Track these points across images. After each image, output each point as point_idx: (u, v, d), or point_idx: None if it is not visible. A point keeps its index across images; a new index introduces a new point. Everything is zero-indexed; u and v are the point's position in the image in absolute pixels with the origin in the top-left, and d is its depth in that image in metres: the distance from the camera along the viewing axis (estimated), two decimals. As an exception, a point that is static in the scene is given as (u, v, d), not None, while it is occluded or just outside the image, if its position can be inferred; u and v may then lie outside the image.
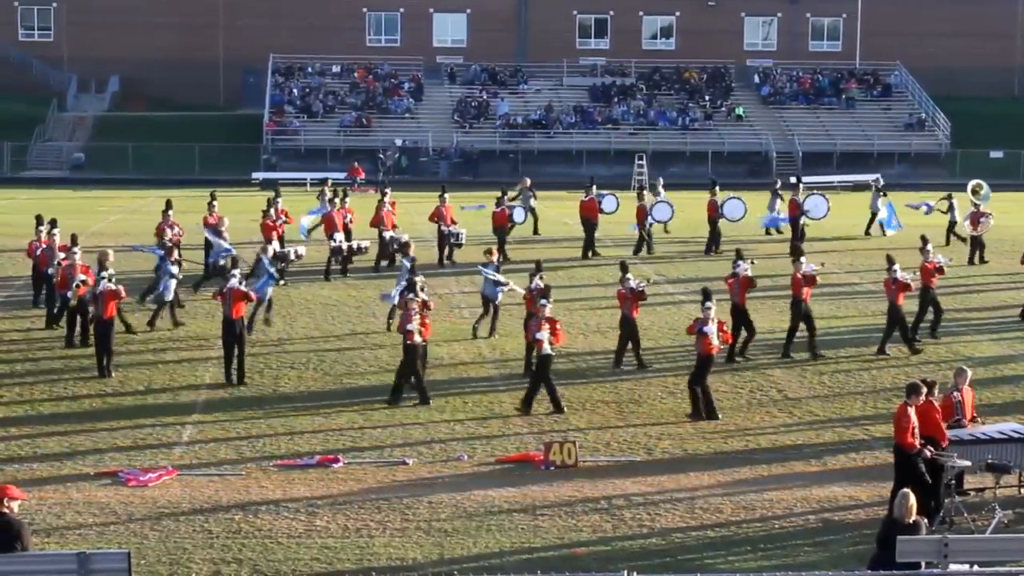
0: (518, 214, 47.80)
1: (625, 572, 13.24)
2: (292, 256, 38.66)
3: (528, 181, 51.92)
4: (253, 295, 29.11)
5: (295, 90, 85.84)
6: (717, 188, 47.60)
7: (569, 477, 22.26)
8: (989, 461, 20.60)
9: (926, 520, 16.72)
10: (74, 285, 30.52)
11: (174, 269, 32.75)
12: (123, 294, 29.12)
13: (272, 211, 40.69)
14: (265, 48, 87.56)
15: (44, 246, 34.25)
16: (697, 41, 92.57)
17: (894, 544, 14.12)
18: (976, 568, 15.07)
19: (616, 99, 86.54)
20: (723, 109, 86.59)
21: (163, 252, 33.69)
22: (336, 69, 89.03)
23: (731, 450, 24.02)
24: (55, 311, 32.75)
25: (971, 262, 43.17)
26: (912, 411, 19.84)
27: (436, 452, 23.70)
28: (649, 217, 46.74)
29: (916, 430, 19.80)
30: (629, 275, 29.71)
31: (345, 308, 35.76)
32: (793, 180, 50.80)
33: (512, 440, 24.45)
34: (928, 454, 19.84)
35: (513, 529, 19.90)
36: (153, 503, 20.81)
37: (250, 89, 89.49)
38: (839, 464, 23.21)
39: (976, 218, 43.82)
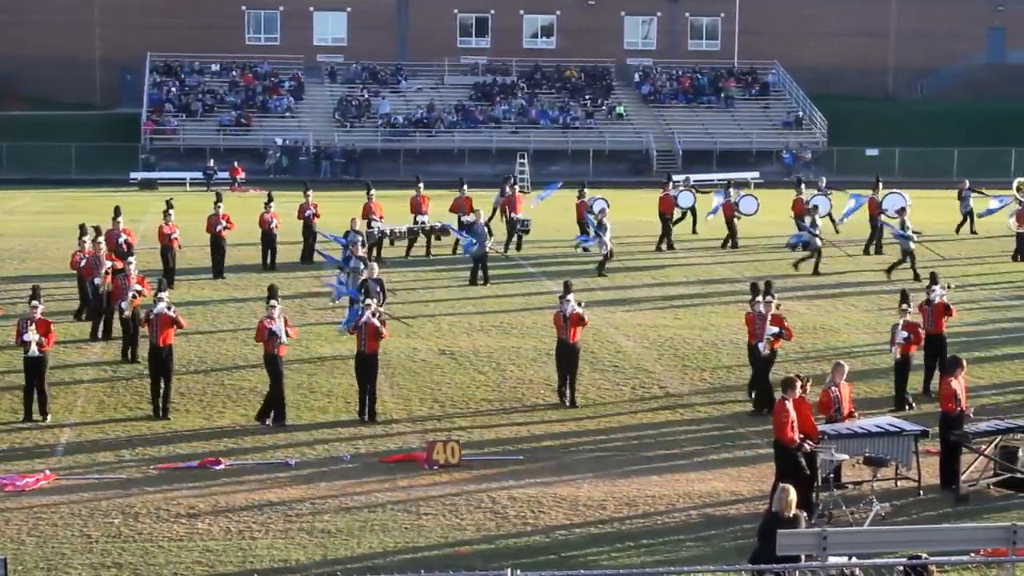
0: (684, 198, 48.48)
1: (509, 571, 13.23)
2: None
3: (691, 179, 52.64)
4: (183, 321, 26.65)
5: (174, 89, 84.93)
6: (880, 185, 48.10)
7: (452, 476, 22.26)
8: (866, 455, 20.92)
9: (805, 514, 16.93)
10: (129, 295, 29.11)
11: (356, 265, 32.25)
12: None
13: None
14: (143, 46, 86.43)
15: (89, 256, 32.80)
16: (577, 40, 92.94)
17: (774, 538, 14.25)
18: (854, 560, 15.28)
19: (497, 98, 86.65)
20: (604, 108, 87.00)
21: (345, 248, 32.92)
22: (215, 68, 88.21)
23: (614, 447, 24.14)
24: (106, 321, 31.57)
25: (1015, 259, 44.28)
26: (790, 406, 20.09)
27: (319, 453, 23.59)
28: (736, 212, 47.51)
29: (795, 424, 20.04)
30: (759, 297, 26.84)
31: (226, 308, 35.46)
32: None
33: (395, 440, 24.40)
34: (807, 448, 20.09)
35: (396, 529, 19.86)
36: (30, 508, 20.48)
37: (128, 88, 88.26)
38: (720, 460, 23.42)
39: (1022, 215, 44.62)
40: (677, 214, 48.31)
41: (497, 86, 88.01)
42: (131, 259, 30.93)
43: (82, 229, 34.34)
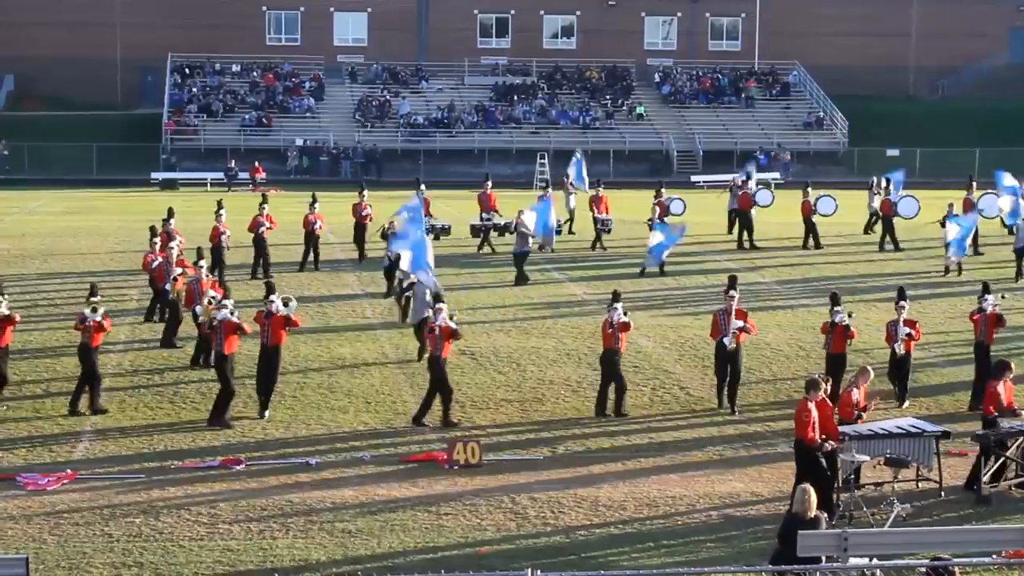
0: (762, 196, 48.51)
1: (529, 571, 13.21)
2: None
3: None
4: (247, 327, 25.98)
5: (195, 89, 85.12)
6: (974, 185, 47.58)
7: (473, 476, 22.25)
8: (887, 456, 20.88)
9: (826, 515, 16.89)
10: (204, 301, 28.19)
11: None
12: (17, 318, 27.05)
13: None
14: (163, 47, 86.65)
15: (160, 259, 32.28)
16: (598, 40, 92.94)
17: (795, 539, 14.22)
18: (875, 561, 15.24)
19: (517, 98, 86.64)
20: (624, 108, 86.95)
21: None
22: (236, 68, 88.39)
23: (634, 447, 24.12)
24: (176, 327, 31.26)
25: None
26: (812, 406, 20.05)
27: (339, 452, 23.61)
28: (815, 211, 47.51)
29: (816, 425, 20.01)
30: (839, 307, 26.39)
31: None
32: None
33: (415, 440, 24.40)
34: (828, 448, 20.05)
35: (417, 528, 19.86)
36: (52, 507, 20.54)
37: (149, 88, 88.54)
38: (741, 460, 23.39)
39: None
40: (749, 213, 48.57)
41: (517, 86, 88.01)
42: (201, 263, 30.58)
43: (152, 231, 34.12)
